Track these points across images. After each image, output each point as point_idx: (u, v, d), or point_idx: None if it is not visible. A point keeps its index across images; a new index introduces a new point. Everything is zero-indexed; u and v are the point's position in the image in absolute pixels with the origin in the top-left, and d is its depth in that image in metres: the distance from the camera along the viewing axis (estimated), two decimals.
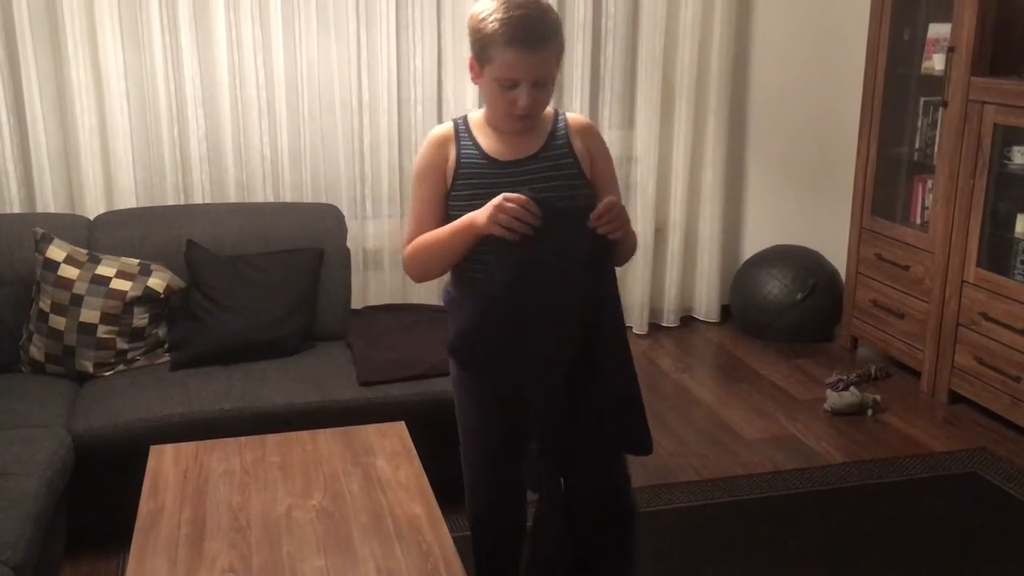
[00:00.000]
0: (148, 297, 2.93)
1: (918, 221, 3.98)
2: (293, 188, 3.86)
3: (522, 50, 1.80)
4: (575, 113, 2.06)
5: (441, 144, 1.98)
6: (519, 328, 1.83)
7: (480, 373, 1.99)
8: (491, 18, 1.81)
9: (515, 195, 1.78)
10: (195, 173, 3.72)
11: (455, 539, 1.86)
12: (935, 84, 3.80)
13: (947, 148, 3.67)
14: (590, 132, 2.02)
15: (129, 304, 2.89)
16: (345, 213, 3.43)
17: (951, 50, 3.61)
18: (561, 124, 2.00)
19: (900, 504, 2.99)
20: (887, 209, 4.11)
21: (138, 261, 3.00)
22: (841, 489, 3.08)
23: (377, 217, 4.02)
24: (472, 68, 1.91)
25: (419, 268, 1.99)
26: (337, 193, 3.90)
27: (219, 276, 3.04)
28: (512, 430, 1.96)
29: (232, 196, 3.77)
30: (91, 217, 3.28)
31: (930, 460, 3.28)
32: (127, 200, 3.63)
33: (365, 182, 3.96)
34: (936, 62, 3.78)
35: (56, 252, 2.90)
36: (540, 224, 1.78)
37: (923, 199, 3.95)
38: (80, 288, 2.86)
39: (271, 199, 3.82)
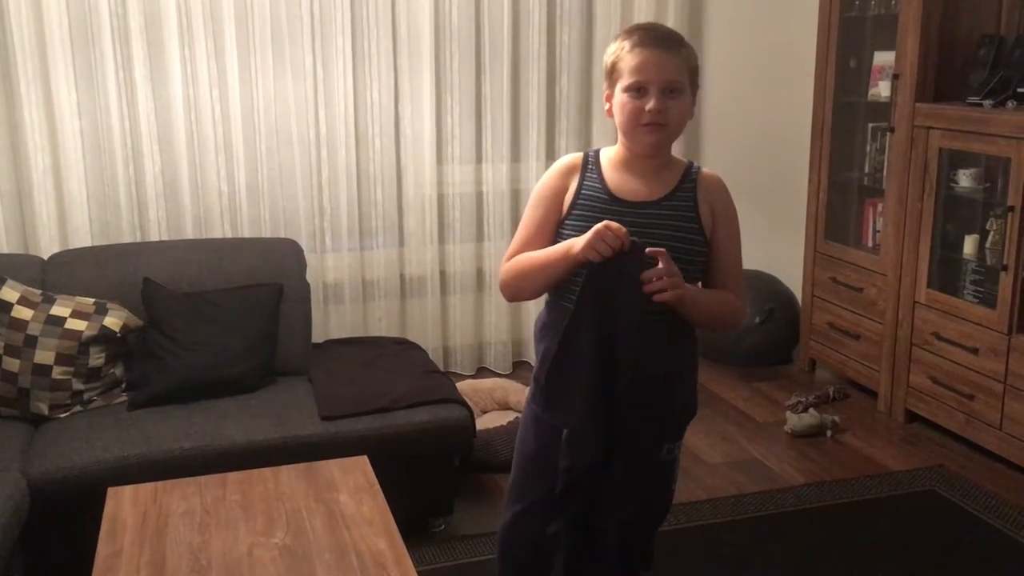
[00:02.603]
0: (104, 336, 2.89)
1: (870, 244, 4.06)
2: (251, 223, 3.84)
3: (649, 50, 1.83)
4: (709, 170, 1.99)
5: (566, 173, 1.97)
6: (577, 370, 1.85)
7: (542, 407, 2.00)
8: (620, 39, 1.88)
9: (618, 225, 1.78)
10: (151, 210, 3.69)
11: (420, 574, 1.86)
12: (882, 110, 3.89)
13: (895, 172, 3.76)
14: (719, 191, 1.95)
15: (85, 344, 2.85)
16: (304, 247, 3.43)
17: (896, 77, 3.71)
18: (692, 175, 1.95)
19: (861, 523, 3.02)
20: (840, 233, 4.19)
21: (94, 300, 2.97)
22: (803, 510, 3.11)
23: (337, 250, 4.01)
24: (607, 100, 1.92)
25: (512, 287, 1.99)
26: (296, 227, 3.89)
27: (177, 313, 3.01)
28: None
29: (189, 232, 3.74)
30: (45, 257, 3.24)
31: (889, 479, 3.33)
32: (82, 239, 3.59)
33: (324, 216, 3.95)
34: (882, 89, 3.88)
35: (9, 293, 2.86)
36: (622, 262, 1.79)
37: (874, 222, 4.03)
38: (34, 329, 2.82)
39: (229, 235, 3.80)
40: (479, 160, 4.16)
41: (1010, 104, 3.34)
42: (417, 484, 2.88)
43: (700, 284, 1.99)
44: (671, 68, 1.83)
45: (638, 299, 1.80)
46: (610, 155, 1.98)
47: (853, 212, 4.18)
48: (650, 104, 1.83)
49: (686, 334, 1.99)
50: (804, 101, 4.26)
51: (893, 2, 3.79)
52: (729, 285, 1.97)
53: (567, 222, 1.93)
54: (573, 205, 1.93)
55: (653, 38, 1.84)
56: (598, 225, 1.78)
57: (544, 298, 2.05)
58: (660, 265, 1.77)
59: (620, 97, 1.87)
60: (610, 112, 1.92)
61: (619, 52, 1.87)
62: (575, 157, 2.00)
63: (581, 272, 1.88)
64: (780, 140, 4.55)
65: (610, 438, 1.89)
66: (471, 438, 2.96)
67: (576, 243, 1.83)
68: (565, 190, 1.95)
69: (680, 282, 1.80)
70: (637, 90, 1.85)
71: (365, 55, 3.88)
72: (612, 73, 1.89)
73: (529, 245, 1.97)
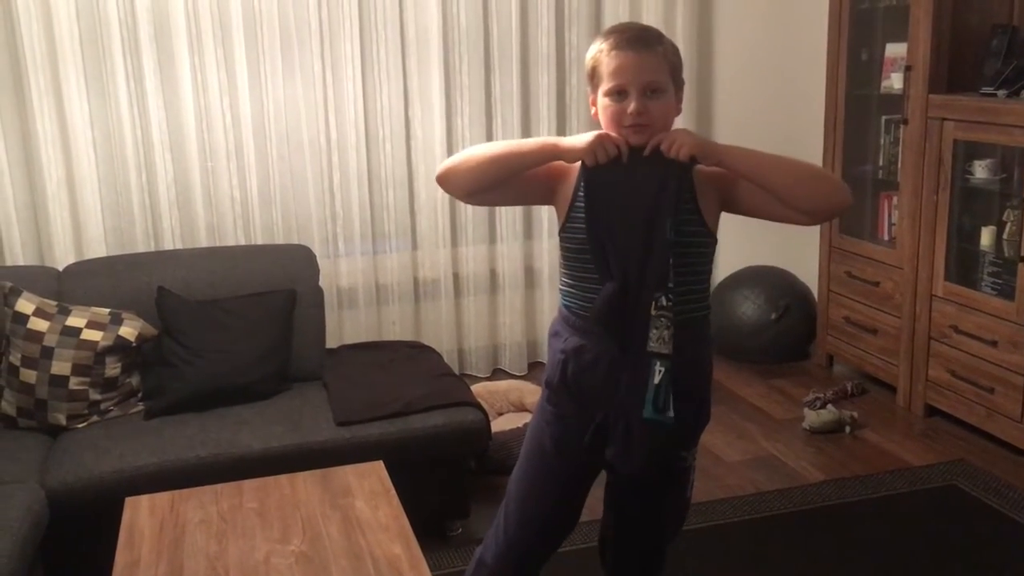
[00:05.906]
0: (120, 346, 2.91)
1: (886, 237, 4.03)
2: (264, 230, 3.85)
3: (625, 52, 1.81)
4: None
5: (568, 169, 1.96)
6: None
7: (557, 402, 1.98)
8: (598, 41, 1.87)
9: (618, 136, 1.82)
10: (165, 219, 3.71)
11: None
12: (895, 102, 3.86)
13: (910, 165, 3.73)
14: (712, 173, 1.89)
15: (101, 354, 2.87)
16: (317, 253, 3.43)
17: (908, 69, 3.68)
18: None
19: (881, 519, 3.00)
20: (855, 227, 4.16)
21: (109, 310, 2.98)
22: (822, 507, 3.09)
23: (349, 255, 4.02)
24: (592, 104, 1.92)
25: (454, 165, 1.89)
26: (308, 233, 3.90)
27: (191, 322, 3.02)
28: (577, 464, 1.97)
29: (203, 240, 3.76)
30: (60, 268, 3.26)
31: (909, 474, 3.30)
32: (96, 249, 3.61)
33: (336, 221, 3.96)
34: (895, 81, 3.85)
35: (25, 305, 2.88)
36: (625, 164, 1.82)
37: (889, 216, 4.00)
38: (50, 340, 2.83)
39: (242, 242, 3.81)
40: None
41: None
42: (433, 488, 2.88)
43: (709, 278, 2.00)
44: (650, 68, 1.82)
45: (657, 205, 1.81)
46: None
47: (868, 206, 4.15)
48: (631, 107, 1.82)
49: (701, 338, 1.96)
50: (816, 94, 4.24)
51: None
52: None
53: (576, 205, 1.87)
54: (575, 196, 1.88)
55: (629, 39, 1.82)
56: (600, 131, 1.82)
57: (559, 303, 2.03)
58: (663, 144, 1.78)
59: (602, 101, 1.87)
60: (596, 116, 1.92)
61: (598, 56, 1.85)
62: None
63: (581, 266, 1.86)
64: (792, 134, 4.51)
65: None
66: (486, 441, 2.96)
67: (564, 140, 1.84)
68: (570, 173, 1.91)
69: (687, 136, 1.79)
70: (618, 93, 1.83)
71: (374, 59, 3.89)
72: (593, 77, 1.88)
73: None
